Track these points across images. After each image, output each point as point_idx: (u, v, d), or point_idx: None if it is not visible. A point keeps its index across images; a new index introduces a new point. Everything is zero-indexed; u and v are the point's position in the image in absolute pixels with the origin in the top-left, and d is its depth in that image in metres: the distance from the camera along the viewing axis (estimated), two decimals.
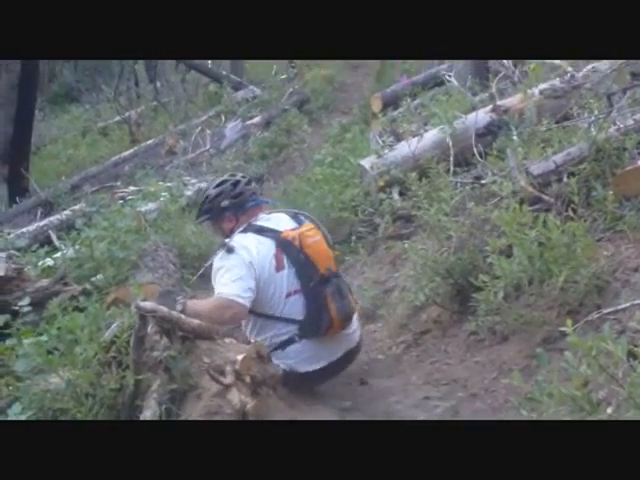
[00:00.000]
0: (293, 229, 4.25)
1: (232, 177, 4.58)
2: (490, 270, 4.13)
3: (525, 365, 3.69)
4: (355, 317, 4.37)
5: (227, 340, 3.77)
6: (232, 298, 3.98)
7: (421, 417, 3.73)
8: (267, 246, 4.16)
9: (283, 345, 4.12)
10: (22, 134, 14.22)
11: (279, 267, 4.14)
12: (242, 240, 4.19)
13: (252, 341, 4.20)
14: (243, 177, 4.56)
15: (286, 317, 4.14)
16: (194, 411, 3.16)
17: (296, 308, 4.13)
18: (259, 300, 4.12)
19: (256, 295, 4.09)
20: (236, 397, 3.20)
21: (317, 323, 4.11)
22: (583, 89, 6.30)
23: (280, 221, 4.36)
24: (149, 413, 3.19)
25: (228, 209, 4.44)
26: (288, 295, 4.14)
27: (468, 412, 3.61)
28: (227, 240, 4.24)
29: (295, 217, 4.44)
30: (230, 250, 4.12)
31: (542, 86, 6.57)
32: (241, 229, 4.29)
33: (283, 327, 4.15)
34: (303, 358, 4.15)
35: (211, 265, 4.29)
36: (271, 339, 4.15)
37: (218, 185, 4.54)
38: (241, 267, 4.06)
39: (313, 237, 4.22)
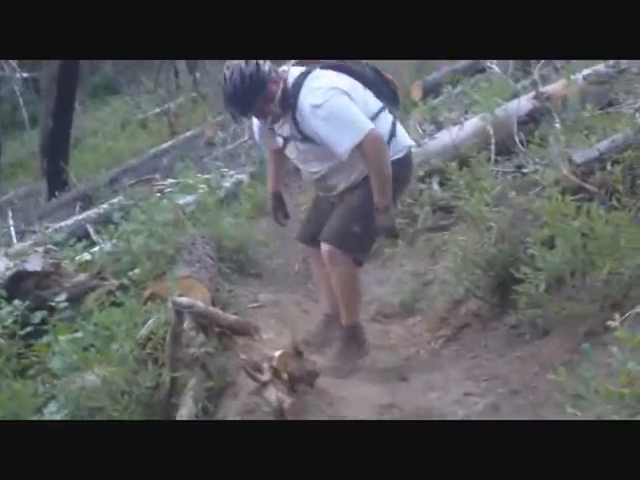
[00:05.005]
0: None
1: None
2: (532, 262, 4.05)
3: (567, 360, 3.61)
4: None
5: (264, 336, 3.73)
6: (371, 127, 4.14)
7: (461, 413, 3.67)
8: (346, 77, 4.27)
9: (392, 132, 4.41)
10: (62, 127, 14.27)
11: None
12: (329, 79, 4.21)
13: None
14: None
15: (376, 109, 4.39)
16: (231, 409, 3.13)
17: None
18: None
19: None
20: (273, 394, 3.16)
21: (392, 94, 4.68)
22: (628, 74, 6.18)
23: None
24: (185, 411, 3.16)
25: (270, 72, 4.12)
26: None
27: (509, 409, 3.54)
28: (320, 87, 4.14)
29: None
30: (332, 90, 4.13)
31: (586, 71, 6.48)
32: (312, 72, 4.23)
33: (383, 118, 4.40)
34: (401, 132, 4.53)
35: None
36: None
37: (230, 78, 4.04)
38: (349, 101, 4.16)
39: None
